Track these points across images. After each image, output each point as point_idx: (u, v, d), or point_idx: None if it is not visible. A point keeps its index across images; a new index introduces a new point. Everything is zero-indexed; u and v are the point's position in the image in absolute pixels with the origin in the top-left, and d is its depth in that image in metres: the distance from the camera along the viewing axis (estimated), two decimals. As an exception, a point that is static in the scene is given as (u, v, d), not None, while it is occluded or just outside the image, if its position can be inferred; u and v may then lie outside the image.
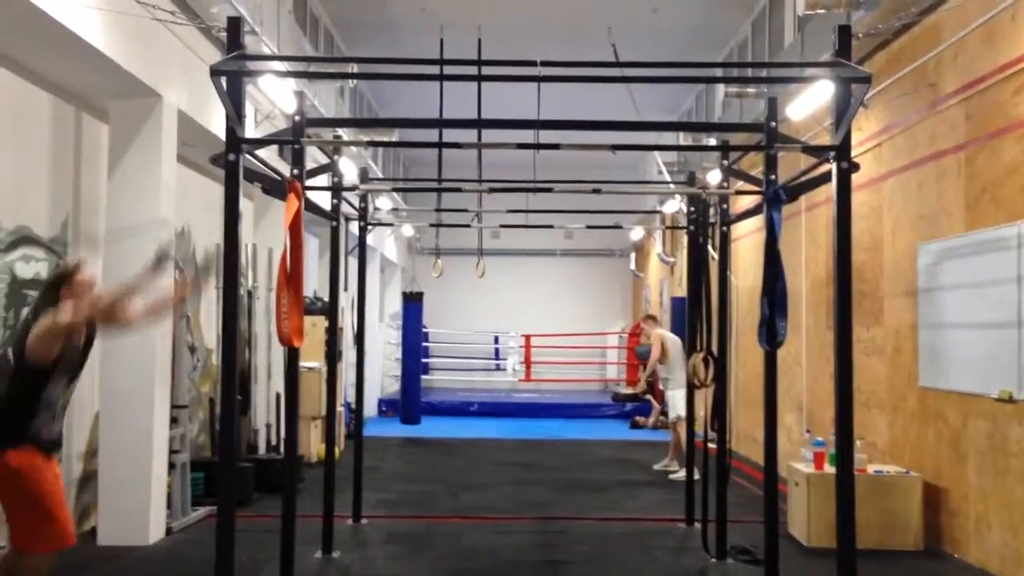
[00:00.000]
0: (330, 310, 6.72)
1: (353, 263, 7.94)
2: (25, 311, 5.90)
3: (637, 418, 15.28)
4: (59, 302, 4.20)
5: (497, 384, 20.65)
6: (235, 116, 3.90)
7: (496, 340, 21.20)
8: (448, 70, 7.38)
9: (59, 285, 4.32)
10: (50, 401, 4.24)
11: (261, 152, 4.43)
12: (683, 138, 12.08)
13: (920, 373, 6.72)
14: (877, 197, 7.56)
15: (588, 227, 8.66)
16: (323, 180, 6.13)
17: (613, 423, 15.88)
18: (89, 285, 4.37)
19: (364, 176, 7.19)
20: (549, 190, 6.07)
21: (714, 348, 6.20)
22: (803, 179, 4.71)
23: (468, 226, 11.58)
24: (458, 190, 6.95)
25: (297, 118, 5.11)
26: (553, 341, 20.37)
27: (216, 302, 8.74)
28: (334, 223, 6.38)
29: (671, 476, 9.70)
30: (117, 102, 6.39)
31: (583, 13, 10.85)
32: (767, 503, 5.03)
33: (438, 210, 9.89)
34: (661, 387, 10.30)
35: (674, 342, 9.95)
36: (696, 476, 9.14)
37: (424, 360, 17.37)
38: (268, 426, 9.74)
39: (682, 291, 11.81)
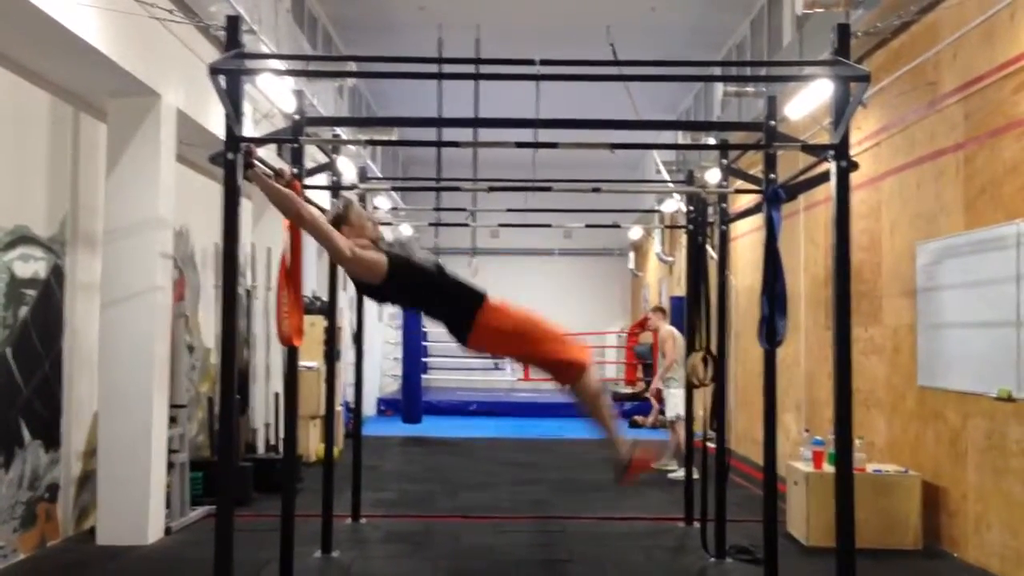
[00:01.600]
0: (329, 309, 6.72)
1: (352, 262, 7.93)
2: (24, 311, 5.91)
3: (636, 417, 15.27)
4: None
5: (496, 383, 20.64)
6: (234, 115, 3.89)
7: (495, 339, 21.16)
8: (446, 68, 7.38)
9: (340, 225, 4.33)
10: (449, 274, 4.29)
11: (260, 151, 4.42)
12: (682, 137, 12.08)
13: (919, 372, 6.72)
14: (876, 196, 7.56)
15: (587, 226, 8.64)
16: (322, 179, 6.13)
17: (612, 422, 15.84)
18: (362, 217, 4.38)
19: (363, 175, 7.19)
20: (548, 189, 6.06)
21: (713, 347, 6.20)
22: (802, 178, 4.71)
23: (466, 225, 11.58)
24: (457, 189, 6.95)
25: (296, 117, 5.11)
26: (552, 340, 20.33)
27: (215, 301, 8.74)
28: (333, 222, 6.36)
29: (670, 475, 9.70)
30: (115, 101, 6.38)
31: (581, 12, 10.85)
32: (766, 502, 5.04)
33: (437, 209, 9.90)
34: (660, 385, 10.29)
35: (680, 339, 9.92)
36: (695, 475, 9.20)
37: (423, 359, 17.36)
38: (267, 426, 9.73)
39: (681, 290, 11.82)
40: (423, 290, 4.17)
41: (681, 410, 9.61)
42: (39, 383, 6.07)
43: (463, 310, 4.13)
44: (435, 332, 20.11)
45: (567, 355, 4.09)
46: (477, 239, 17.52)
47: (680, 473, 9.74)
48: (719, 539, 6.08)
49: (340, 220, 4.37)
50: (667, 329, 10.09)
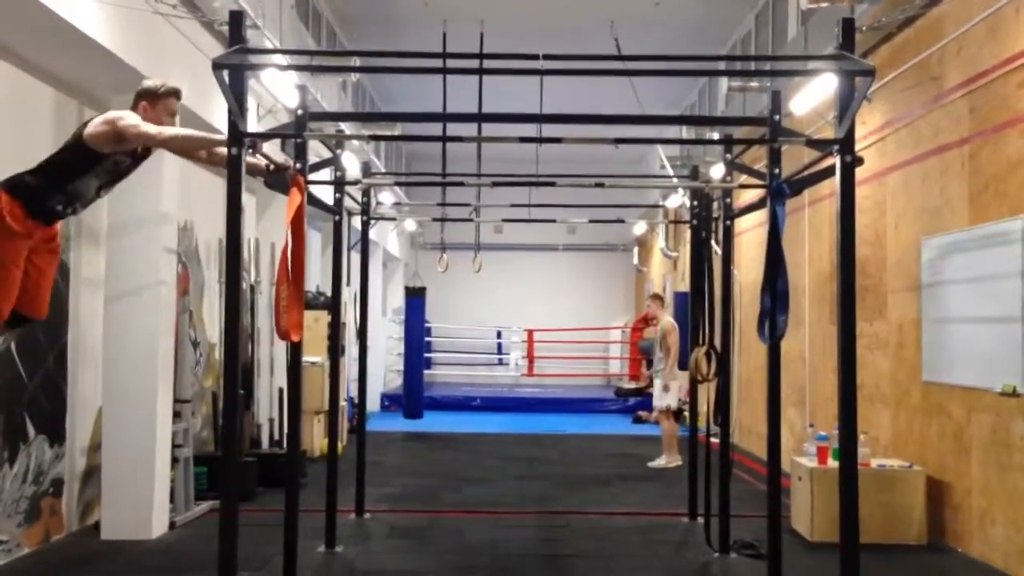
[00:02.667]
0: (333, 305, 6.72)
1: (355, 258, 7.94)
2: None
3: (640, 412, 15.29)
4: (135, 108, 4.52)
5: (500, 379, 20.67)
6: (237, 110, 3.89)
7: (499, 335, 21.22)
8: (450, 64, 7.36)
9: (146, 96, 4.59)
10: (77, 193, 4.46)
11: (264, 147, 4.42)
12: (686, 132, 12.06)
13: (923, 367, 6.70)
14: (881, 191, 7.54)
15: (591, 221, 8.66)
16: (325, 174, 6.12)
17: (616, 418, 15.89)
18: (171, 112, 4.62)
19: (367, 170, 7.19)
20: (552, 184, 6.06)
21: (717, 342, 6.19)
22: (806, 173, 4.70)
23: (470, 220, 11.59)
24: (460, 184, 6.95)
25: (299, 112, 5.10)
26: (556, 336, 20.37)
27: (219, 296, 8.75)
28: (336, 217, 6.37)
29: (649, 464, 9.83)
30: (119, 96, 6.35)
31: (585, 7, 10.83)
32: (770, 498, 5.03)
33: (442, 204, 9.89)
34: (653, 376, 10.37)
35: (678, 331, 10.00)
36: (675, 462, 9.27)
37: (427, 355, 17.39)
38: (271, 421, 9.75)
39: (685, 286, 11.78)
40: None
41: (671, 401, 9.74)
42: (43, 378, 6.08)
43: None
44: (439, 327, 20.18)
45: None
46: (481, 234, 17.53)
47: (661, 462, 9.84)
48: (723, 534, 6.08)
49: (152, 93, 4.64)
50: (669, 321, 10.11)
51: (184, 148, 4.47)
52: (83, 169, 4.42)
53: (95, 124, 4.42)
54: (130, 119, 4.43)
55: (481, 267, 13.30)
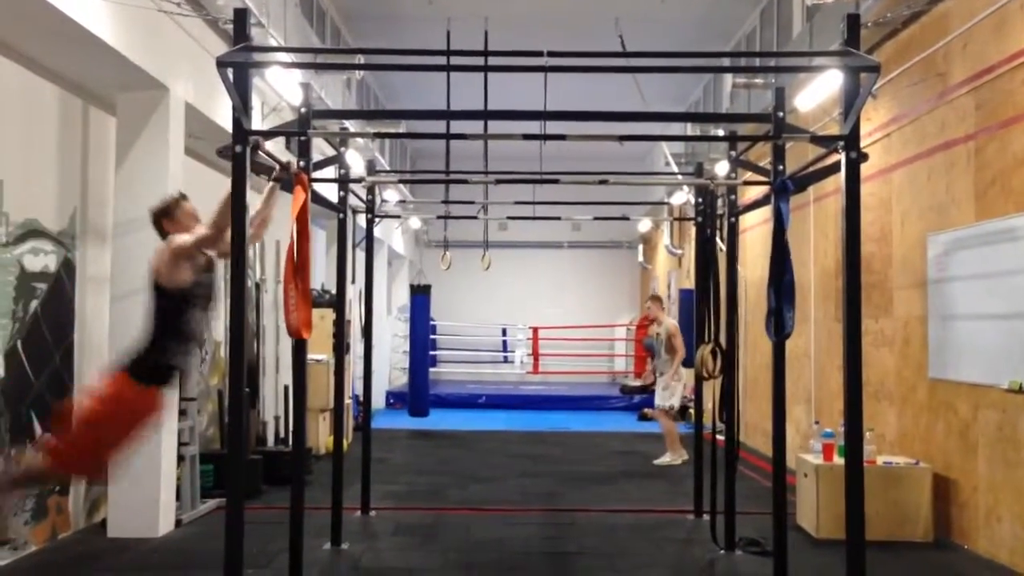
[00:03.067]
0: (337, 303, 6.73)
1: (360, 256, 7.94)
2: (34, 304, 5.93)
3: (645, 410, 15.28)
4: (166, 236, 4.48)
5: (505, 376, 20.68)
6: (242, 108, 3.89)
7: (504, 332, 21.22)
8: (455, 61, 7.37)
9: (164, 216, 4.57)
10: (191, 332, 4.46)
11: (268, 144, 4.43)
12: (691, 129, 12.05)
13: (929, 364, 6.69)
14: (886, 188, 7.52)
15: (595, 219, 8.67)
16: (330, 172, 6.12)
17: (621, 415, 15.88)
18: (192, 214, 4.57)
19: (371, 168, 7.19)
20: (555, 181, 6.06)
21: (722, 340, 6.18)
22: (811, 170, 4.69)
23: (475, 218, 11.60)
24: (465, 181, 6.94)
25: (303, 110, 5.11)
26: (561, 333, 20.37)
27: (224, 295, 8.77)
28: (341, 215, 6.38)
29: (677, 463, 9.80)
30: (124, 95, 6.39)
31: (590, 5, 10.83)
32: (776, 495, 5.03)
33: (446, 202, 9.89)
34: (655, 373, 10.37)
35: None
36: (680, 457, 9.23)
37: (432, 352, 17.39)
38: (276, 418, 9.77)
39: (690, 283, 11.80)
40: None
41: (674, 400, 9.77)
42: (50, 376, 6.10)
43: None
44: (444, 325, 20.19)
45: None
46: (484, 232, 17.56)
47: (666, 459, 9.86)
48: (728, 531, 6.08)
49: (165, 212, 4.58)
50: (673, 323, 10.13)
51: (220, 231, 4.43)
52: (184, 307, 4.42)
53: (168, 273, 4.35)
54: (182, 241, 4.37)
55: (490, 264, 13.30)
